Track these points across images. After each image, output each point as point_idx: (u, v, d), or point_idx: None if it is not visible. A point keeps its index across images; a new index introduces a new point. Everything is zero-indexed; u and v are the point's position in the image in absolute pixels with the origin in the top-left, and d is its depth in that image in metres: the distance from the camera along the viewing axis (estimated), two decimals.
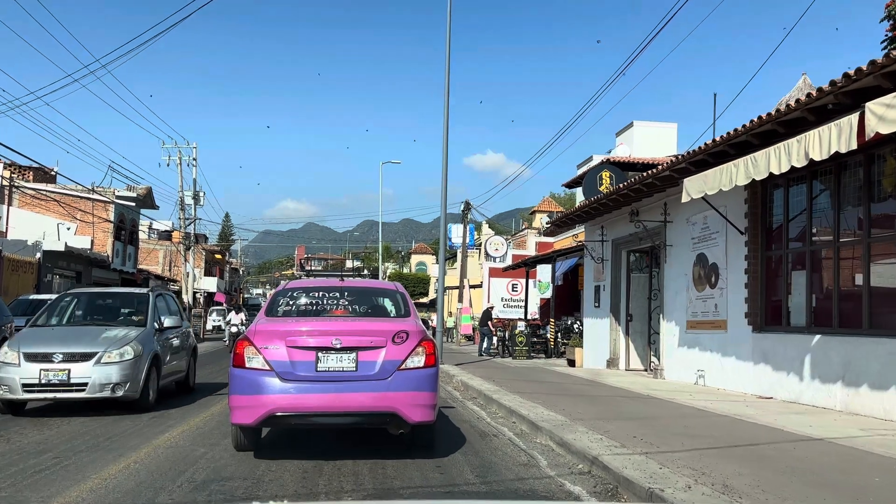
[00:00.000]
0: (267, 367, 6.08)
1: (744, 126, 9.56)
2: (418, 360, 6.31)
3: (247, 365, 6.13)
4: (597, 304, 18.01)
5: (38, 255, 25.69)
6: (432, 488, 5.42)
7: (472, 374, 14.19)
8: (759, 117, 9.21)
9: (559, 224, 19.44)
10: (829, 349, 9.29)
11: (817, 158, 7.67)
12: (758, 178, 8.94)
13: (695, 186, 10.44)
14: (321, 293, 7.21)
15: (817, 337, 9.54)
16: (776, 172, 8.52)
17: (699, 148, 10.80)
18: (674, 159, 11.94)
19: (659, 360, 14.44)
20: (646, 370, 15.87)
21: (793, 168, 8.19)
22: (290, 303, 7.09)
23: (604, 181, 18.88)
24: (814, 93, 8.28)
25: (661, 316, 14.33)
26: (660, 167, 12.11)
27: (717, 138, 10.23)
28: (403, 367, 6.23)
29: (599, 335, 17.57)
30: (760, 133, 9.42)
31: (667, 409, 9.19)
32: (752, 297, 11.16)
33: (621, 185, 13.81)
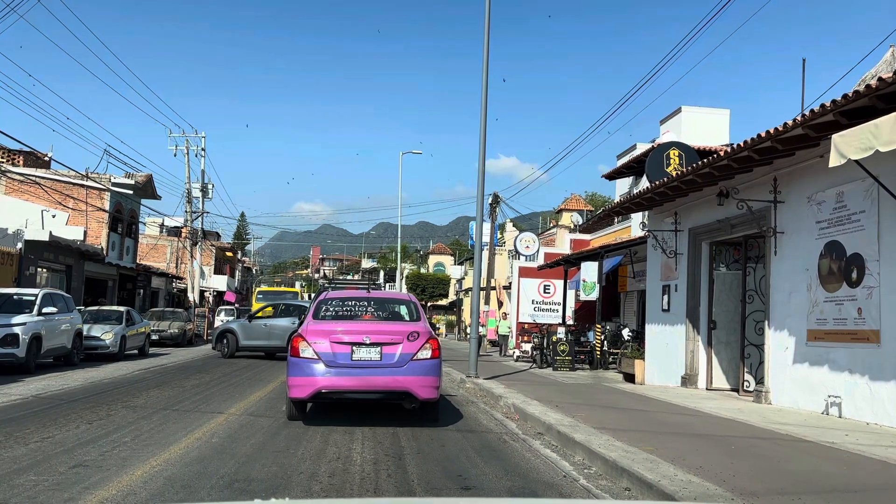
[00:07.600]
0: (315, 357, 7.91)
1: None
2: (426, 353, 8.10)
3: (301, 355, 7.95)
4: (665, 308, 14.89)
5: (20, 245, 22.94)
6: None
7: (525, 396, 11.12)
8: None
9: (618, 211, 16.39)
10: None
11: None
12: None
13: (853, 143, 7.33)
14: (353, 301, 9.14)
15: None
16: None
17: (864, 88, 7.71)
18: (804, 116, 8.87)
19: (761, 379, 11.32)
20: (735, 390, 12.73)
21: None
22: (330, 309, 8.90)
23: (672, 161, 15.76)
24: None
25: (765, 323, 11.20)
26: (789, 123, 9.02)
27: None
28: (415, 358, 8.01)
29: (669, 346, 14.47)
30: None
31: (854, 466, 6.08)
32: None
33: (721, 153, 10.70)
